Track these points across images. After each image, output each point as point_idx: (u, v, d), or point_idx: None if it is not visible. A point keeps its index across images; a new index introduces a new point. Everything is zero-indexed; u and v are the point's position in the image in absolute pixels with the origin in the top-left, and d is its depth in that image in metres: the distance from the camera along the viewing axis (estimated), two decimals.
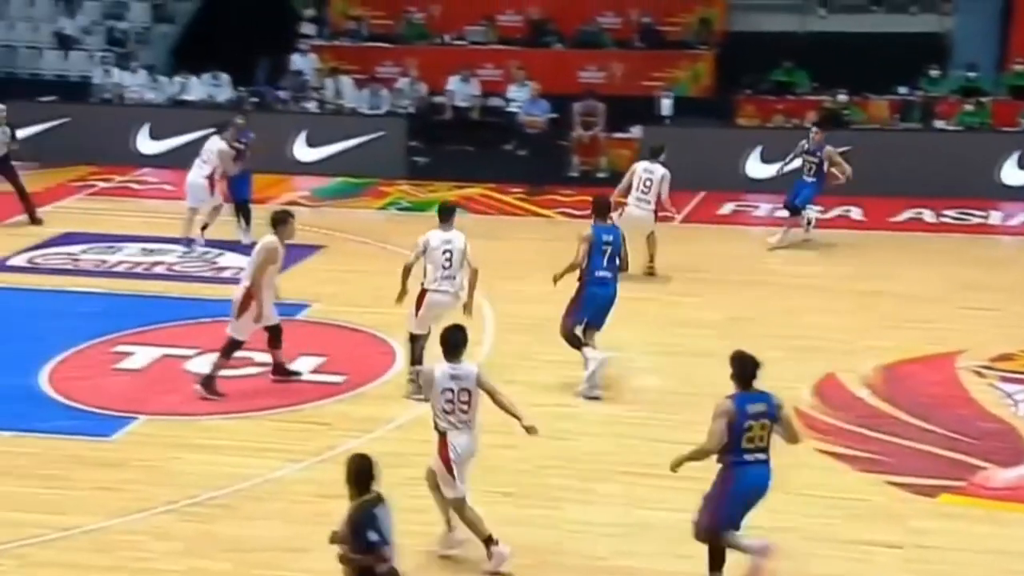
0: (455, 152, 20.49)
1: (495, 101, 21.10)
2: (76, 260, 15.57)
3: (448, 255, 11.55)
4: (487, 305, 14.08)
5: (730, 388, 11.74)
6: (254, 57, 21.55)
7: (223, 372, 11.59)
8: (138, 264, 15.52)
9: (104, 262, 15.48)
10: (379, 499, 7.20)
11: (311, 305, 13.97)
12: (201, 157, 15.84)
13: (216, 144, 15.78)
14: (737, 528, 8.26)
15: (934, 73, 20.67)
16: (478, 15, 22.39)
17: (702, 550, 9.10)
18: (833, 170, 16.42)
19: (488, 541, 8.79)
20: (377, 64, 22.05)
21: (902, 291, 14.85)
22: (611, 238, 12.14)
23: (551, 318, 13.67)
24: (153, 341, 12.89)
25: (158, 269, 15.42)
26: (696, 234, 17.03)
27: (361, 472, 7.22)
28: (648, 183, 15.07)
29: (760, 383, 11.49)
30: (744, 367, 8.35)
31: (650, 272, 15.22)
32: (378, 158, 19.72)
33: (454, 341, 8.90)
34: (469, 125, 20.64)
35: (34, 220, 17.02)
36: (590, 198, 18.10)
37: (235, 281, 14.10)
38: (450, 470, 8.85)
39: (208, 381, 11.43)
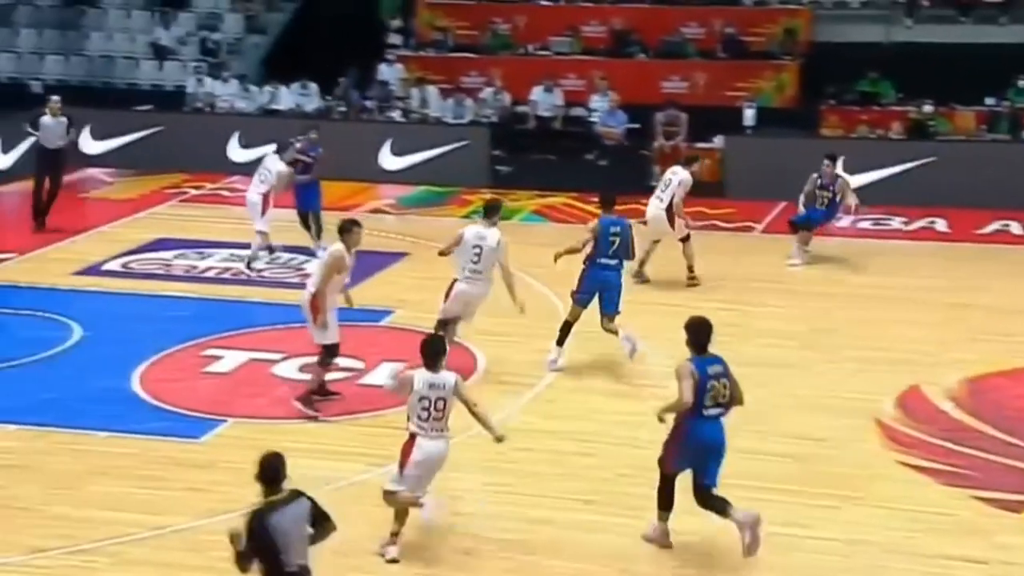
0: (537, 161, 20.54)
1: (577, 111, 21.12)
2: (168, 265, 15.84)
3: (478, 251, 11.97)
4: (565, 312, 14.07)
5: (814, 398, 11.72)
6: (342, 67, 21.77)
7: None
8: (227, 270, 15.76)
9: (195, 267, 15.74)
10: (284, 501, 7.06)
11: (394, 311, 14.08)
12: (258, 175, 15.62)
13: (275, 164, 15.57)
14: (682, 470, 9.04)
15: (1022, 84, 20.29)
16: (562, 26, 22.43)
17: (780, 559, 9.06)
18: (848, 201, 16.09)
19: (394, 535, 9.02)
20: (462, 74, 22.18)
21: (988, 303, 14.60)
22: (618, 229, 12.65)
23: (634, 327, 13.68)
24: (241, 345, 13.07)
25: (246, 275, 15.61)
26: (777, 245, 16.88)
27: (268, 470, 7.17)
28: (667, 183, 15.02)
29: (843, 394, 11.42)
30: (700, 333, 9.07)
31: (692, 283, 15.07)
32: (462, 167, 19.83)
33: (434, 350, 9.13)
34: (551, 135, 20.67)
35: (39, 223, 17.22)
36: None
37: None
38: (403, 465, 8.99)
39: (308, 397, 11.39)
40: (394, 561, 8.97)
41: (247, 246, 16.04)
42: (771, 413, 11.55)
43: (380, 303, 14.30)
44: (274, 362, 12.62)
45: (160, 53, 23.40)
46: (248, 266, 15.48)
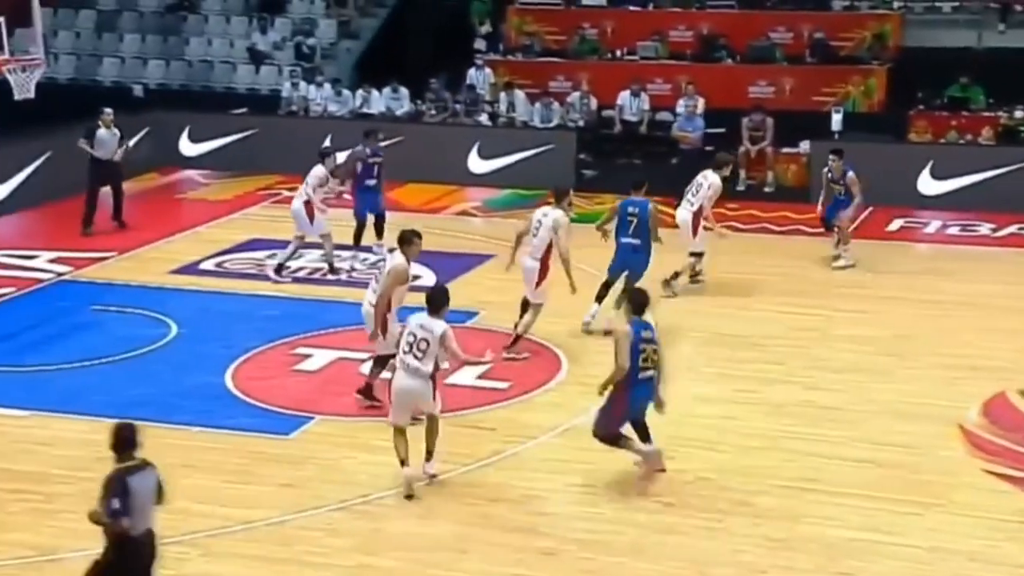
0: (622, 165, 20.49)
1: (663, 115, 21.01)
2: (261, 265, 16.06)
3: (536, 230, 12.90)
4: (650, 316, 14.00)
5: (896, 404, 11.56)
6: (432, 72, 21.91)
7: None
8: (317, 270, 15.93)
9: (286, 267, 15.93)
10: (138, 467, 7.44)
11: (479, 312, 14.14)
12: (306, 184, 15.49)
13: (318, 170, 15.48)
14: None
15: None
16: (650, 31, 22.35)
17: (862, 565, 8.96)
18: (856, 199, 15.88)
19: (402, 462, 9.95)
20: (550, 78, 22.19)
21: None
22: (636, 210, 13.63)
23: (715, 331, 13.63)
24: (330, 344, 13.21)
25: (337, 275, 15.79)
26: (863, 250, 16.64)
27: (120, 440, 7.53)
28: (698, 187, 14.89)
29: (926, 400, 11.28)
30: (638, 300, 10.02)
31: (667, 291, 14.57)
32: (548, 170, 19.81)
33: (437, 301, 9.98)
34: (637, 139, 20.60)
35: (87, 227, 17.29)
36: (757, 212, 18.08)
37: (410, 289, 14.46)
38: (390, 400, 10.10)
39: (368, 389, 11.53)
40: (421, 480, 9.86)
41: (343, 247, 16.16)
42: (852, 419, 11.42)
43: (466, 304, 14.35)
44: (361, 361, 12.72)
45: (257, 58, 23.75)
46: (331, 270, 15.54)
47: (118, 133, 17.48)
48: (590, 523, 9.62)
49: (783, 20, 22.24)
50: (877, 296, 14.85)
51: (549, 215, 12.86)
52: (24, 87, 16.30)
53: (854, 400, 11.82)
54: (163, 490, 7.61)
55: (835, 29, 21.98)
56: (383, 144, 16.78)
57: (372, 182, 16.25)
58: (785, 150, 19.79)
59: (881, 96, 21.17)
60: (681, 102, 20.42)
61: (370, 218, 16.36)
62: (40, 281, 15.52)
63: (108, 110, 17.57)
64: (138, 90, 23.15)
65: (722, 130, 20.44)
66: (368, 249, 16.13)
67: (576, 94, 21.30)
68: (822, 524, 9.54)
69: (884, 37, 21.72)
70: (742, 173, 19.68)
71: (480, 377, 12.39)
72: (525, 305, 13.05)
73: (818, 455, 10.68)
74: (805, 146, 19.61)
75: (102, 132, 17.32)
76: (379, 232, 16.23)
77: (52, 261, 16.04)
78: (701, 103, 20.44)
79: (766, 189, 19.60)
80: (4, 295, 14.98)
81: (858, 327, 13.78)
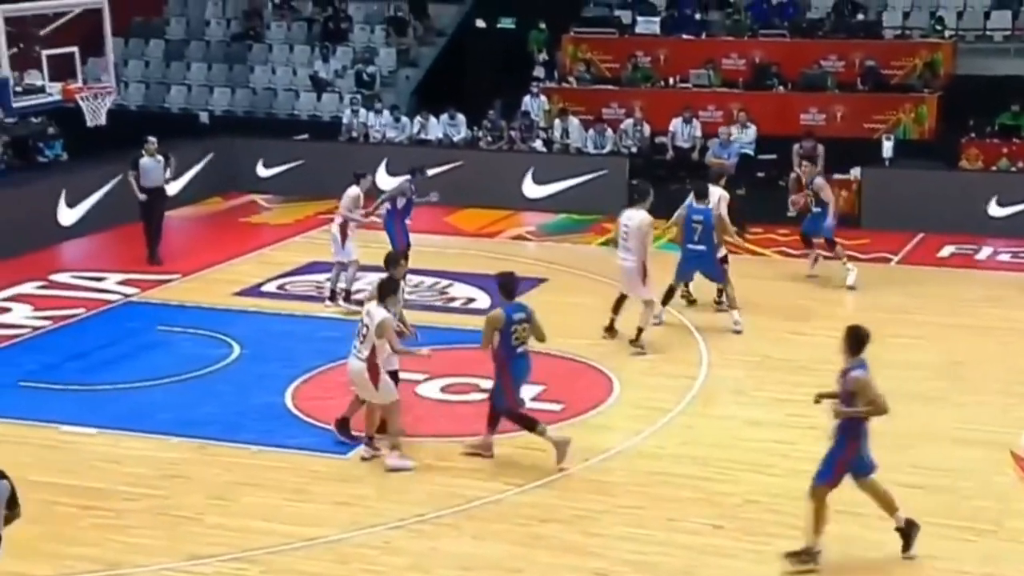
0: (675, 191, 20.42)
1: (715, 142, 20.91)
2: (320, 287, 16.16)
3: (625, 230, 13.59)
4: (701, 339, 13.99)
5: (948, 430, 11.45)
6: (489, 99, 22.02)
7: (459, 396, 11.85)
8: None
9: (348, 292, 16.00)
10: None
11: None
12: (341, 206, 15.48)
13: (352, 191, 15.46)
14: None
15: None
16: (702, 59, 22.32)
17: None
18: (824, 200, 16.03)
19: (370, 439, 10.91)
20: (603, 106, 22.22)
21: None
22: (701, 217, 14.08)
23: (766, 355, 13.55)
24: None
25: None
26: (914, 276, 16.50)
27: None
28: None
29: (978, 426, 11.19)
30: (509, 285, 10.93)
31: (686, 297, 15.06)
32: (601, 196, 19.85)
33: (385, 291, 10.73)
34: (689, 165, 20.54)
35: (153, 259, 17.08)
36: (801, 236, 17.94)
37: (466, 311, 14.52)
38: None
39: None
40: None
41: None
42: (904, 444, 11.28)
43: None
44: (417, 382, 12.79)
45: (318, 85, 23.99)
46: (346, 299, 15.09)
47: (162, 160, 17.13)
48: (640, 544, 9.58)
49: (835, 48, 22.14)
50: (929, 322, 14.69)
51: (635, 218, 13.48)
52: (96, 114, 16.56)
53: (906, 425, 11.65)
54: (15, 503, 7.68)
55: (887, 57, 21.85)
56: (429, 174, 16.73)
57: (410, 222, 16.11)
58: (836, 176, 19.65)
59: (932, 124, 20.99)
60: (734, 129, 20.32)
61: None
62: (109, 302, 15.75)
63: (152, 138, 17.09)
64: (204, 117, 23.46)
65: (773, 156, 20.37)
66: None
67: (629, 121, 21.31)
68: (873, 549, 9.44)
69: (935, 65, 21.55)
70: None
71: (534, 399, 12.37)
72: (619, 303, 13.79)
73: None
74: (856, 172, 19.47)
75: (145, 160, 16.96)
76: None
77: (120, 283, 16.26)
78: (753, 131, 20.38)
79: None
80: (75, 316, 15.21)
81: (910, 352, 13.63)
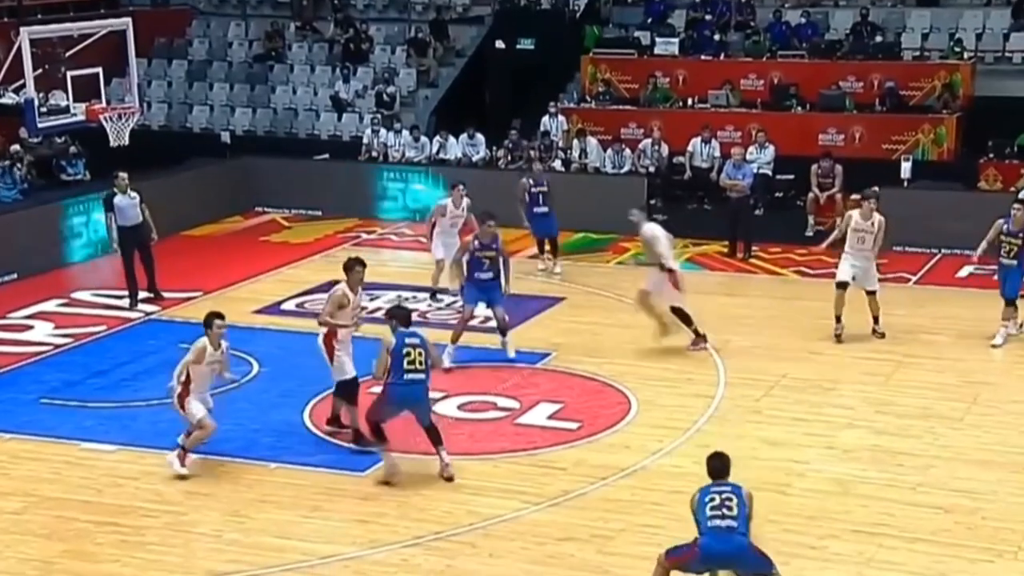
0: (693, 211, 20.42)
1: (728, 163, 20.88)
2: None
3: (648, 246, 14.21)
4: (719, 359, 13.93)
5: (969, 451, 11.35)
6: (508, 119, 22.03)
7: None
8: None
9: (364, 308, 16.00)
10: None
11: (551, 354, 14.11)
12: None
13: (442, 200, 16.30)
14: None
15: None
16: (721, 79, 22.30)
17: None
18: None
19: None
20: (622, 126, 22.21)
21: None
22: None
23: (783, 373, 13.47)
24: None
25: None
26: (933, 296, 16.41)
27: None
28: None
29: (1000, 447, 11.08)
30: (403, 314, 11.07)
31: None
32: (619, 215, 19.80)
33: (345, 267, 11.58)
34: (707, 185, 20.51)
35: (133, 302, 16.15)
36: (825, 258, 17.87)
37: (484, 329, 14.49)
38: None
39: (359, 438, 11.48)
40: None
41: (417, 288, 16.31)
42: (923, 464, 11.20)
43: (537, 346, 14.36)
44: (435, 400, 12.74)
45: (339, 105, 24.07)
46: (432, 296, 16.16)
47: (137, 197, 16.05)
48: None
49: (854, 69, 22.09)
50: (948, 343, 14.58)
51: (648, 231, 14.18)
52: (119, 134, 16.59)
53: (925, 446, 11.60)
54: None
55: (906, 78, 21.78)
56: (544, 174, 17.98)
57: (541, 209, 17.31)
58: (854, 197, 19.56)
59: (951, 145, 20.91)
60: (752, 149, 20.27)
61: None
62: (130, 320, 15.78)
63: (123, 174, 15.96)
64: (225, 137, 23.55)
65: (791, 176, 20.31)
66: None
67: (648, 141, 21.29)
68: (892, 570, 9.35)
69: (954, 86, 21.47)
70: (811, 219, 19.50)
71: (551, 417, 12.35)
72: (678, 312, 13.97)
73: (888, 500, 10.48)
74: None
75: (119, 199, 15.94)
76: (553, 250, 17.73)
77: (142, 301, 16.29)
78: (771, 151, 20.36)
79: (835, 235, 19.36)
80: (96, 333, 15.25)
81: (929, 373, 13.54)
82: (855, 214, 14.63)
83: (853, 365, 13.78)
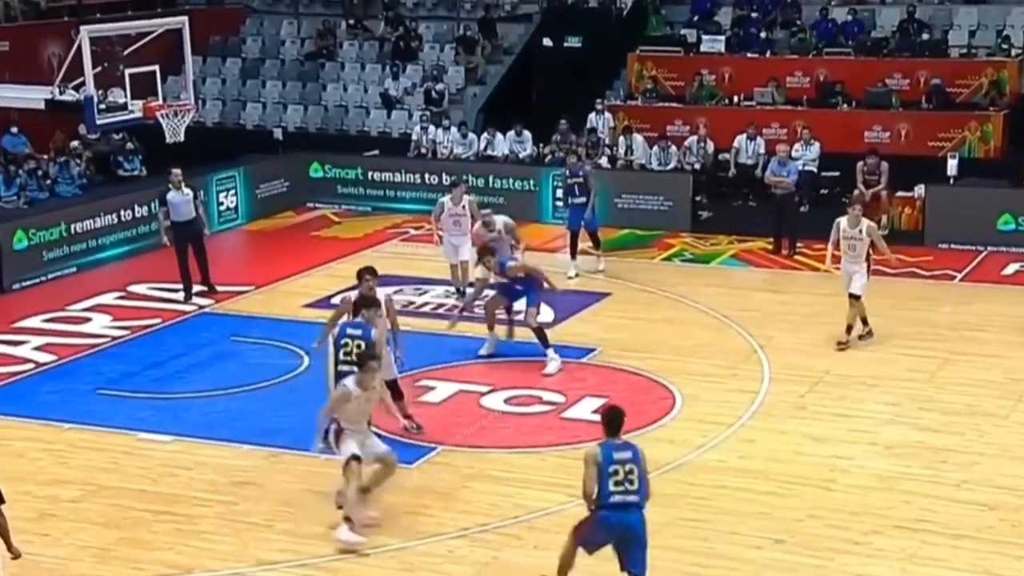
0: (738, 207, 20.33)
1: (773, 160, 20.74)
2: (388, 300, 16.20)
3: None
4: (763, 355, 13.87)
5: (1014, 448, 11.23)
6: (555, 116, 22.02)
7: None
8: (441, 305, 16.09)
9: (412, 303, 16.12)
10: None
11: (596, 349, 14.11)
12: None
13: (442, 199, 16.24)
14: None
15: None
16: (766, 77, 22.16)
17: None
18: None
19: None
20: (668, 123, 22.13)
21: None
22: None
23: (827, 370, 13.39)
24: (452, 377, 13.31)
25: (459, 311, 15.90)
26: (978, 293, 16.23)
27: None
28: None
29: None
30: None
31: None
32: (664, 212, 19.79)
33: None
34: (752, 181, 20.40)
35: (188, 295, 16.32)
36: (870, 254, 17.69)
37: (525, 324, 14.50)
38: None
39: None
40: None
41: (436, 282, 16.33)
42: (967, 461, 11.11)
43: (583, 341, 14.37)
44: (482, 394, 12.82)
45: (389, 102, 24.17)
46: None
47: (190, 193, 16.30)
48: (702, 558, 9.52)
49: (900, 67, 21.89)
50: (994, 340, 14.42)
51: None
52: (175, 131, 16.73)
53: (969, 443, 11.50)
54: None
55: (952, 75, 21.56)
56: (581, 165, 17.64)
57: (577, 200, 17.01)
58: (900, 194, 19.42)
59: (998, 142, 20.67)
60: (797, 146, 20.14)
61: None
62: (184, 313, 15.96)
63: (175, 171, 16.18)
64: (277, 133, 23.72)
65: (836, 173, 20.17)
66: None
67: (693, 138, 21.20)
68: (935, 566, 9.29)
69: (1001, 84, 21.22)
70: None
71: (596, 412, 12.34)
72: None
73: (932, 496, 10.41)
74: (920, 190, 19.22)
75: (172, 195, 16.16)
76: (595, 245, 17.48)
77: (196, 294, 16.46)
78: (816, 148, 20.22)
79: (880, 232, 19.19)
80: (151, 326, 15.44)
81: (974, 370, 13.41)
82: (843, 221, 14.02)
83: (897, 362, 13.67)
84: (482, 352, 13.89)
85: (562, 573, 8.61)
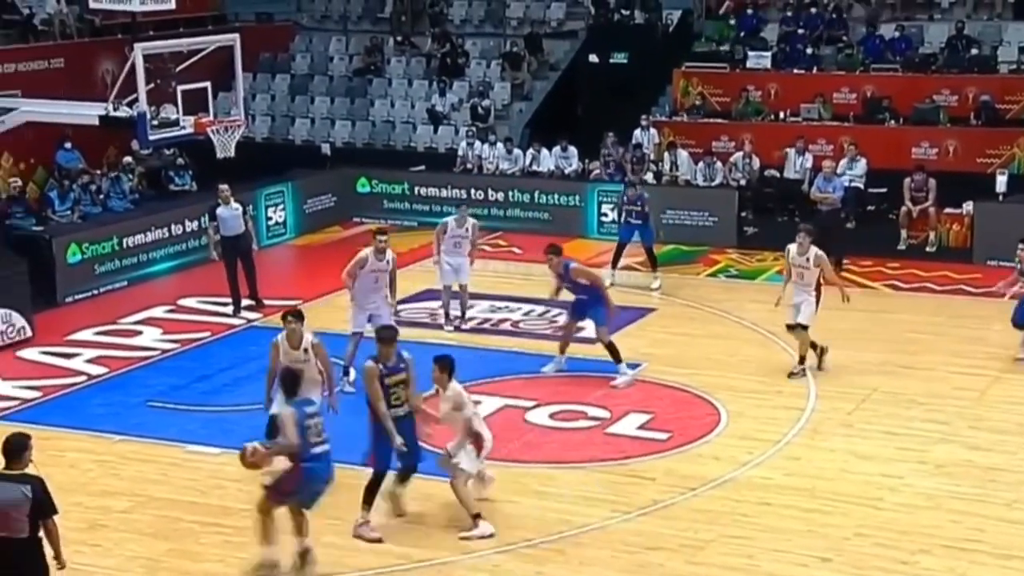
0: (784, 223, 20.19)
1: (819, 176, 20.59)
2: (434, 314, 16.27)
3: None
4: (810, 372, 13.75)
5: None
6: (600, 132, 22.01)
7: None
8: (487, 320, 16.10)
9: (458, 317, 16.12)
10: (12, 477, 7.88)
11: (642, 364, 14.06)
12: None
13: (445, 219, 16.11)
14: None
15: None
16: (813, 93, 22.04)
17: None
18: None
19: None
20: (713, 138, 22.06)
21: None
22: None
23: (874, 387, 13.26)
24: (497, 392, 13.30)
25: (504, 326, 15.91)
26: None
27: (7, 447, 8.00)
28: None
29: None
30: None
31: None
32: (709, 227, 19.70)
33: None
34: (798, 197, 20.27)
35: (236, 308, 16.47)
36: (918, 272, 17.56)
37: (575, 340, 14.47)
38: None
39: None
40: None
41: (507, 299, 16.32)
42: (1017, 480, 10.95)
43: (628, 356, 14.29)
44: (527, 409, 12.80)
45: (435, 118, 24.26)
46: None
47: (239, 208, 16.29)
48: (746, 574, 9.42)
49: (948, 83, 21.70)
50: None
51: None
52: (225, 146, 16.88)
53: (1020, 462, 11.34)
54: (42, 503, 7.93)
55: (1001, 92, 21.33)
56: (639, 192, 17.68)
57: (635, 221, 17.34)
58: (948, 210, 19.22)
59: None
60: (844, 162, 19.99)
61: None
62: (233, 327, 16.07)
63: (224, 186, 16.15)
64: (325, 148, 23.87)
65: (883, 190, 20.00)
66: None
67: (739, 154, 21.11)
68: None
69: None
70: (903, 233, 19.19)
71: (641, 427, 12.31)
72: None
73: (981, 516, 10.27)
74: (968, 207, 19.01)
75: (222, 210, 16.16)
76: (652, 263, 17.55)
77: (244, 308, 16.57)
78: (863, 164, 20.07)
79: (928, 249, 19.02)
80: (200, 340, 15.55)
81: (1022, 388, 13.22)
82: (792, 248, 13.49)
83: (946, 380, 13.52)
84: (546, 370, 13.83)
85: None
